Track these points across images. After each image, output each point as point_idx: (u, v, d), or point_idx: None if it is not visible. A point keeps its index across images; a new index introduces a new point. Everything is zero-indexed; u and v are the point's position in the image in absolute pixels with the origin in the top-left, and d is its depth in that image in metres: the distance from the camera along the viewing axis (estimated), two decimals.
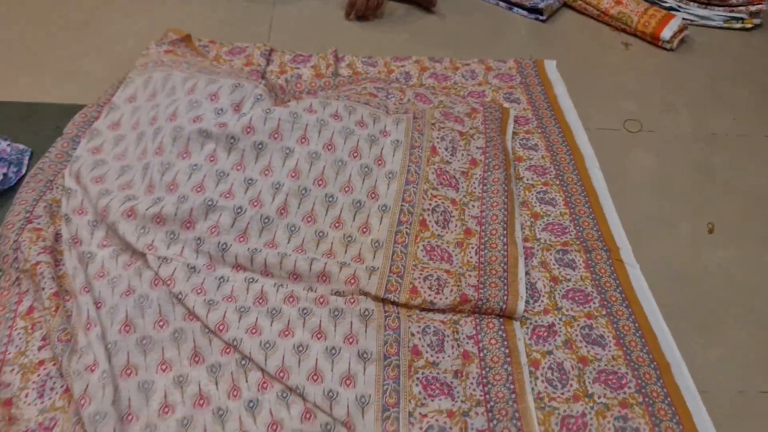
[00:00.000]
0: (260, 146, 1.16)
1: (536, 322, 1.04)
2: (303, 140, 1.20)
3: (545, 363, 0.98)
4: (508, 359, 0.96)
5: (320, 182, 1.17)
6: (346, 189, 1.18)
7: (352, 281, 1.03)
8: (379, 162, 1.23)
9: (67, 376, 0.87)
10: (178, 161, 1.13)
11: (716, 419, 0.94)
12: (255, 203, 1.11)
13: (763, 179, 1.35)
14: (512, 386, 0.93)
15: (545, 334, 1.02)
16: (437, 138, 1.28)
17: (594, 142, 1.39)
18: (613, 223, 1.20)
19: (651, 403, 0.93)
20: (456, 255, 1.11)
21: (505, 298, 1.03)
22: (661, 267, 1.16)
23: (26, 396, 0.87)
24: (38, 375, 0.89)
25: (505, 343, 0.98)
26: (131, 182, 1.14)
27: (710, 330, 1.07)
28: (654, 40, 1.69)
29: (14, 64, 1.46)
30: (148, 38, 1.54)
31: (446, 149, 1.27)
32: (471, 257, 1.11)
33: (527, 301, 1.06)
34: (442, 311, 1.02)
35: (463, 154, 1.27)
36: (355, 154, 1.22)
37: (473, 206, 1.19)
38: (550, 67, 1.58)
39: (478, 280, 1.06)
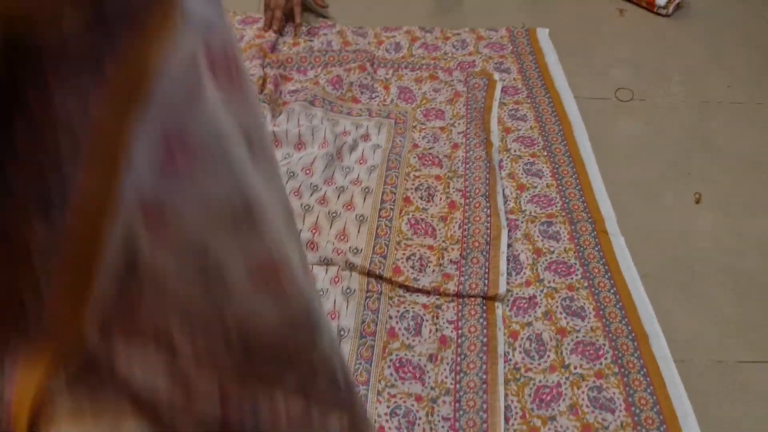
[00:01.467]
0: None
1: (517, 294, 1.05)
2: (299, 146, 1.26)
3: (524, 334, 1.00)
4: (485, 348, 0.97)
5: (308, 171, 1.21)
6: (329, 182, 1.21)
7: (339, 251, 1.06)
8: (361, 161, 1.26)
9: None
10: None
11: (694, 389, 0.95)
12: None
13: (754, 146, 1.34)
14: (485, 376, 0.94)
15: (525, 305, 1.03)
16: (418, 138, 1.31)
17: (584, 111, 1.38)
18: (599, 195, 1.20)
19: (626, 374, 0.95)
20: (440, 229, 1.12)
21: (487, 274, 1.04)
22: (646, 234, 1.17)
23: None
24: None
25: (485, 331, 0.99)
26: None
27: (693, 297, 1.08)
28: (649, 6, 1.66)
29: None
30: None
31: (427, 141, 1.29)
32: (454, 231, 1.12)
33: (509, 274, 1.07)
34: (426, 293, 1.03)
35: (444, 142, 1.29)
36: (339, 157, 1.25)
37: (458, 180, 1.20)
38: (543, 35, 1.56)
39: (460, 254, 1.07)
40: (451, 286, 1.03)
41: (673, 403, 0.92)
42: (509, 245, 1.11)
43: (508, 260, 1.08)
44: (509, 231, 1.13)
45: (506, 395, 0.92)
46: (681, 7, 1.68)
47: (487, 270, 1.05)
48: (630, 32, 1.61)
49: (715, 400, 0.95)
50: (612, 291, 1.05)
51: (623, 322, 1.01)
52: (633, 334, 0.99)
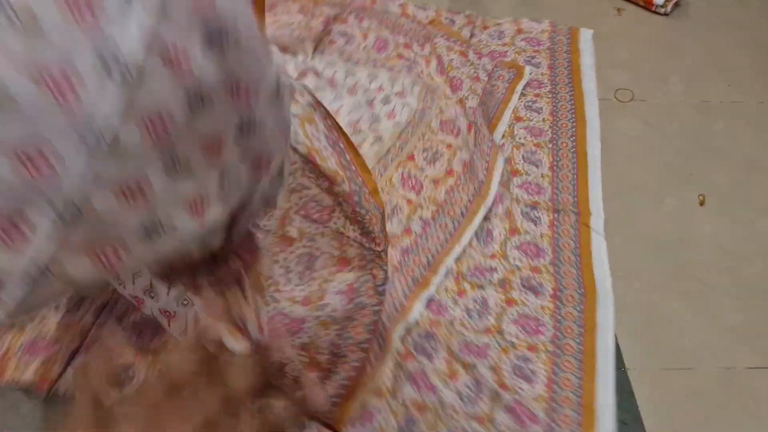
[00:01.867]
0: None
1: (479, 262, 1.05)
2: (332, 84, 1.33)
3: (472, 294, 1.02)
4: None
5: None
6: (354, 125, 1.24)
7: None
8: (390, 116, 1.28)
9: None
10: None
11: (702, 397, 0.93)
12: None
13: (756, 146, 1.32)
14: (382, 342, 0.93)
15: (483, 271, 1.03)
16: (444, 105, 1.31)
17: None
18: (593, 193, 1.19)
19: (560, 354, 0.95)
20: (427, 188, 1.13)
21: (448, 241, 1.05)
22: (648, 237, 1.14)
23: None
24: None
25: (403, 301, 0.99)
26: None
27: (698, 303, 1.06)
28: (647, 5, 1.64)
29: None
30: None
31: (450, 112, 1.30)
32: (438, 195, 1.13)
33: (479, 241, 1.08)
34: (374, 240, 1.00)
35: (462, 118, 1.28)
36: (371, 105, 1.29)
37: (465, 152, 1.19)
38: (586, 36, 1.54)
39: (432, 215, 1.08)
40: (406, 243, 1.05)
41: (597, 394, 0.90)
42: (487, 218, 1.10)
43: (478, 234, 1.08)
44: (492, 203, 1.12)
45: (434, 334, 0.95)
46: (679, 5, 1.66)
47: (450, 236, 1.05)
48: (628, 31, 1.59)
49: (724, 408, 0.93)
50: (576, 280, 1.04)
51: (578, 308, 1.00)
52: (582, 322, 0.98)
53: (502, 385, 0.91)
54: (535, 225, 1.11)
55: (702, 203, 1.21)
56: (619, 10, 1.65)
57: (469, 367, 0.92)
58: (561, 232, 1.10)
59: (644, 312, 1.04)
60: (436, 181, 1.16)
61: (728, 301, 1.06)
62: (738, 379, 0.96)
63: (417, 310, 0.98)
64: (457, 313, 0.98)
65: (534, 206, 1.14)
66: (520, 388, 0.91)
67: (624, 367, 0.97)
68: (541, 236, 1.09)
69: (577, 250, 1.08)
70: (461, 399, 0.89)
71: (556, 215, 1.13)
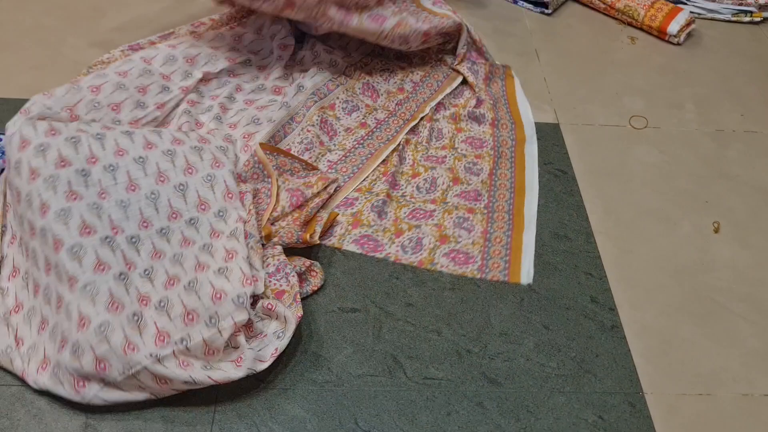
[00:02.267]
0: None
1: (431, 153, 1.32)
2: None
3: (425, 175, 1.28)
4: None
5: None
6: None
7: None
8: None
9: None
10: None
11: (721, 424, 0.93)
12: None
13: None
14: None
15: (435, 161, 1.30)
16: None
17: (599, 138, 1.38)
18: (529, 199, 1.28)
19: (493, 216, 1.21)
20: (382, 98, 1.43)
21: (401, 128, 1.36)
22: (664, 262, 1.16)
23: None
24: None
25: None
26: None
27: (715, 328, 1.06)
28: (661, 35, 1.66)
29: (17, 57, 1.46)
30: (151, 33, 1.54)
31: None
32: (390, 104, 1.42)
33: (430, 140, 1.36)
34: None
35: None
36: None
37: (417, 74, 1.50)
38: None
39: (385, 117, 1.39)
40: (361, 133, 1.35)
41: (523, 244, 1.17)
42: (436, 119, 1.41)
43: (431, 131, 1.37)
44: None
45: (385, 200, 1.21)
46: (692, 36, 1.69)
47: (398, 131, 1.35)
48: (642, 60, 1.62)
49: None
50: (511, 170, 1.30)
51: (510, 180, 1.27)
52: (513, 189, 1.26)
53: (443, 237, 1.16)
54: (479, 125, 1.39)
55: (717, 230, 1.22)
56: (632, 39, 1.68)
57: (414, 227, 1.18)
58: (500, 126, 1.39)
59: (662, 336, 1.05)
60: (389, 93, 1.43)
61: (746, 327, 1.07)
62: (756, 406, 0.97)
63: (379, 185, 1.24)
64: (409, 190, 1.25)
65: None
66: (459, 237, 1.17)
67: (642, 392, 0.98)
68: (483, 132, 1.37)
69: (513, 158, 1.33)
70: (404, 251, 1.14)
71: (497, 124, 1.39)
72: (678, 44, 1.66)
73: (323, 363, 0.98)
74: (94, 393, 0.87)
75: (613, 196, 1.27)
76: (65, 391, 0.88)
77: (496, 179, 1.27)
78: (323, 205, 1.17)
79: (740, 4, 1.75)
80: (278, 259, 1.03)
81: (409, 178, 1.26)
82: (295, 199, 1.12)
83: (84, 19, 1.58)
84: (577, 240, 1.19)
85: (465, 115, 1.39)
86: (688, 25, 1.66)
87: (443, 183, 1.25)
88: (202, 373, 0.87)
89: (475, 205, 1.22)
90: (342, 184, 1.24)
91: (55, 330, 0.91)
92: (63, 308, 0.91)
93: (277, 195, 1.13)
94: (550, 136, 1.39)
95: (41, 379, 0.90)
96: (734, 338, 1.05)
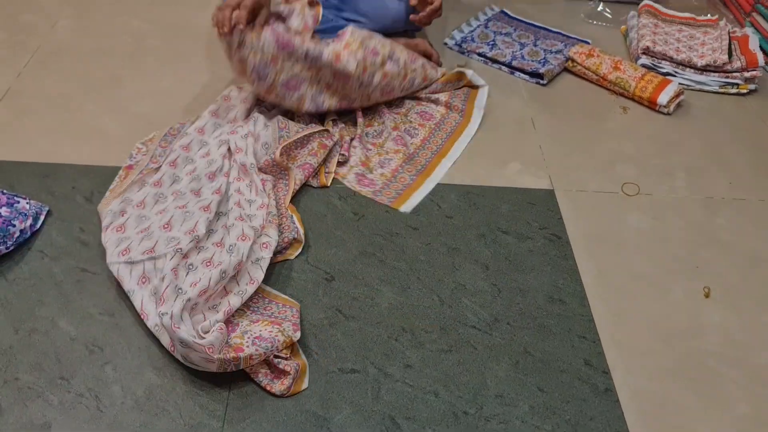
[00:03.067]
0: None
1: (387, 116, 1.62)
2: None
3: (376, 127, 1.59)
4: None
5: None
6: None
7: None
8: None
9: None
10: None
11: None
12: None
13: (760, 242, 1.38)
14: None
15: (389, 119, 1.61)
16: None
17: (592, 205, 1.43)
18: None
19: (411, 160, 1.51)
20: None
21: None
22: (655, 326, 1.19)
23: None
24: None
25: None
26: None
27: (707, 394, 1.09)
28: (651, 105, 1.74)
29: (37, 124, 1.53)
30: (166, 98, 1.62)
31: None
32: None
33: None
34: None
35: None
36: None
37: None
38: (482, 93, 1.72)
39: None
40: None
41: (422, 187, 1.44)
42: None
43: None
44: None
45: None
46: (681, 106, 1.76)
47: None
48: (634, 129, 1.68)
49: None
50: (443, 140, 1.58)
51: (438, 146, 1.56)
52: (437, 152, 1.54)
53: (364, 163, 1.48)
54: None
55: (707, 295, 1.26)
56: (624, 108, 1.75)
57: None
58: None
59: (654, 400, 1.07)
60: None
61: (737, 391, 1.09)
62: None
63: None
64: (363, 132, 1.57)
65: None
66: (375, 169, 1.48)
67: None
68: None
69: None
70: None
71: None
72: (668, 114, 1.73)
73: (322, 423, 1.00)
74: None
75: (606, 260, 1.31)
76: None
77: (427, 143, 1.55)
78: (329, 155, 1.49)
79: (727, 77, 1.83)
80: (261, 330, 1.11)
81: (365, 127, 1.58)
82: (306, 171, 1.42)
83: (102, 87, 1.66)
84: (571, 303, 1.22)
85: (425, 98, 1.67)
86: (677, 96, 1.73)
87: (387, 134, 1.57)
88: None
89: (401, 148, 1.52)
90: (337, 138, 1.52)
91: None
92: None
93: (294, 180, 1.41)
94: (545, 201, 1.44)
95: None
96: (726, 403, 1.08)
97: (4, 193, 1.27)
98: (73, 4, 1.97)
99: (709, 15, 2.04)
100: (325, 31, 1.64)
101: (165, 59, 1.77)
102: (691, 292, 1.26)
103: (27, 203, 1.27)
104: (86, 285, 1.18)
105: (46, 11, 1.93)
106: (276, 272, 1.23)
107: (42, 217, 1.28)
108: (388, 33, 1.82)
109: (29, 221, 1.25)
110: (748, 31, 1.98)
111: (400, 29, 1.83)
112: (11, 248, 1.21)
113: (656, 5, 2.05)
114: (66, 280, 1.18)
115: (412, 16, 1.67)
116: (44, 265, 1.21)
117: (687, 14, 2.04)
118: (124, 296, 1.15)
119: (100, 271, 1.20)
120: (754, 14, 2.06)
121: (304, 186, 1.42)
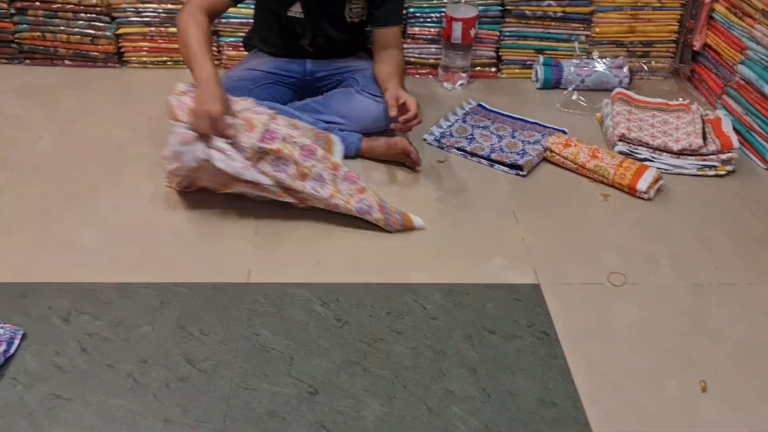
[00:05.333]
0: None
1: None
2: None
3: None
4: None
5: None
6: None
7: None
8: None
9: None
10: None
11: None
12: None
13: (752, 328, 1.35)
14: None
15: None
16: None
17: (579, 298, 1.41)
18: None
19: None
20: None
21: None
22: (654, 426, 1.14)
23: None
24: None
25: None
26: None
27: None
28: (631, 191, 1.75)
29: (14, 241, 1.52)
30: (146, 208, 1.62)
31: None
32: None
33: None
34: None
35: None
36: None
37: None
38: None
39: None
40: None
41: None
42: None
43: None
44: None
45: None
46: (661, 191, 1.77)
47: None
48: (615, 217, 1.69)
49: None
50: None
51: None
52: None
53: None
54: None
55: (704, 389, 1.22)
56: (605, 196, 1.76)
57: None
58: None
59: None
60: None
61: None
62: None
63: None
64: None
65: None
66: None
67: None
68: None
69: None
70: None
71: None
72: (649, 200, 1.74)
73: None
74: None
75: (597, 357, 1.28)
76: None
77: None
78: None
79: (704, 160, 1.85)
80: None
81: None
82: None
83: (80, 198, 1.66)
84: (563, 406, 1.18)
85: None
86: (656, 181, 1.74)
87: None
88: None
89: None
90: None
91: None
92: None
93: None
94: (531, 297, 1.42)
95: None
96: None
97: None
98: (56, 118, 2.01)
99: (680, 99, 2.09)
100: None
101: (145, 168, 1.78)
102: (686, 387, 1.22)
103: (1, 328, 1.24)
104: (59, 413, 1.13)
105: (31, 125, 1.96)
106: (258, 387, 1.19)
107: (16, 342, 1.25)
108: (369, 132, 1.86)
109: (2, 347, 1.21)
110: (720, 113, 2.03)
111: (381, 129, 1.86)
112: None
113: (628, 92, 2.10)
114: (38, 409, 1.14)
115: (392, 125, 1.70)
116: (16, 393, 1.16)
117: (659, 100, 2.09)
118: (99, 424, 1.10)
119: (74, 397, 1.16)
120: (724, 96, 2.11)
121: (284, 293, 1.40)
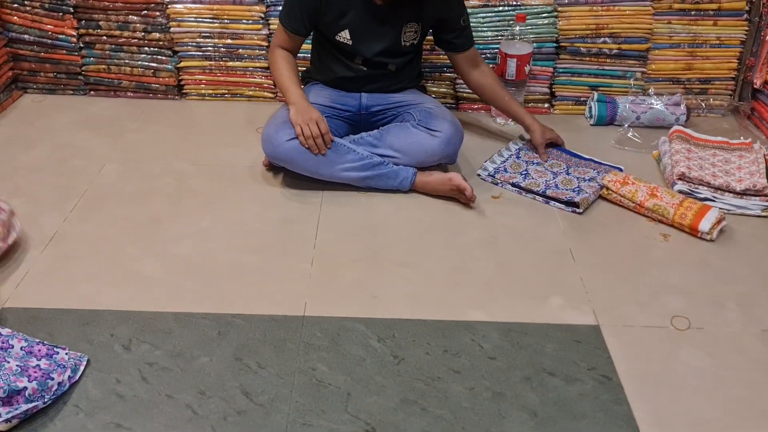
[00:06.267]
0: None
1: None
2: None
3: None
4: None
5: None
6: None
7: None
8: None
9: None
10: None
11: None
12: None
13: None
14: None
15: None
16: None
17: (640, 341, 1.38)
18: None
19: None
20: None
21: None
22: None
23: None
24: None
25: None
26: None
27: None
28: (693, 232, 1.70)
29: (79, 269, 1.56)
30: (205, 239, 1.64)
31: None
32: None
33: None
34: None
35: None
36: None
37: None
38: None
39: None
40: None
41: None
42: None
43: None
44: None
45: None
46: (724, 231, 1.72)
47: None
48: (677, 258, 1.64)
49: None
50: None
51: None
52: None
53: None
54: None
55: None
56: (665, 236, 1.72)
57: None
58: None
59: None
60: None
61: None
62: None
63: None
64: None
65: None
66: None
67: None
68: None
69: None
70: None
71: None
72: (711, 240, 1.69)
73: None
74: None
75: (663, 405, 1.23)
76: None
77: None
78: None
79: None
80: None
81: None
82: None
83: (143, 229, 1.70)
84: None
85: None
86: (719, 222, 1.70)
87: None
88: None
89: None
90: None
91: None
92: None
93: None
94: (591, 339, 1.38)
95: None
96: None
97: (44, 344, 1.27)
98: (120, 149, 2.07)
99: (741, 138, 2.04)
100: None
101: (206, 200, 1.81)
102: None
103: (66, 354, 1.27)
104: None
105: (95, 155, 2.02)
106: (315, 423, 1.18)
107: (81, 368, 1.27)
108: (423, 167, 1.86)
109: (68, 373, 1.24)
110: None
111: (434, 163, 1.86)
112: (48, 402, 1.19)
113: (687, 130, 2.06)
114: None
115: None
116: (78, 421, 1.18)
117: (719, 138, 2.05)
118: None
119: (134, 427, 1.17)
120: None
121: (341, 327, 1.40)
